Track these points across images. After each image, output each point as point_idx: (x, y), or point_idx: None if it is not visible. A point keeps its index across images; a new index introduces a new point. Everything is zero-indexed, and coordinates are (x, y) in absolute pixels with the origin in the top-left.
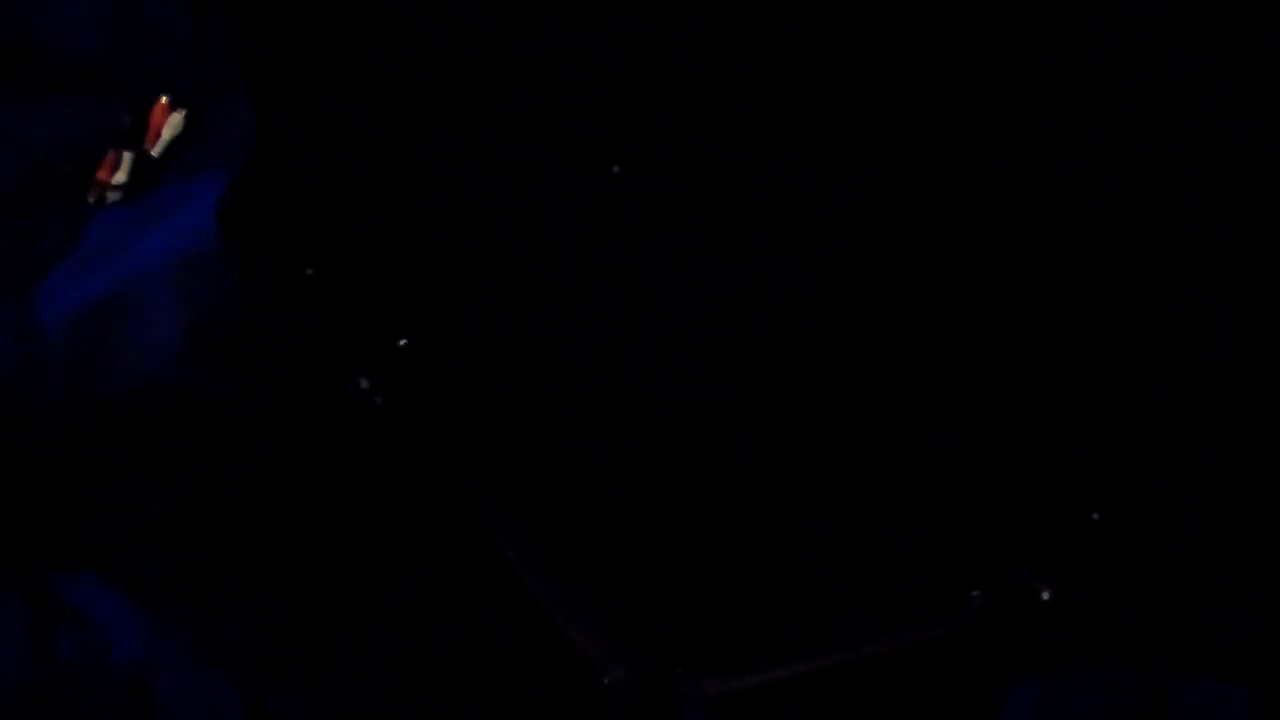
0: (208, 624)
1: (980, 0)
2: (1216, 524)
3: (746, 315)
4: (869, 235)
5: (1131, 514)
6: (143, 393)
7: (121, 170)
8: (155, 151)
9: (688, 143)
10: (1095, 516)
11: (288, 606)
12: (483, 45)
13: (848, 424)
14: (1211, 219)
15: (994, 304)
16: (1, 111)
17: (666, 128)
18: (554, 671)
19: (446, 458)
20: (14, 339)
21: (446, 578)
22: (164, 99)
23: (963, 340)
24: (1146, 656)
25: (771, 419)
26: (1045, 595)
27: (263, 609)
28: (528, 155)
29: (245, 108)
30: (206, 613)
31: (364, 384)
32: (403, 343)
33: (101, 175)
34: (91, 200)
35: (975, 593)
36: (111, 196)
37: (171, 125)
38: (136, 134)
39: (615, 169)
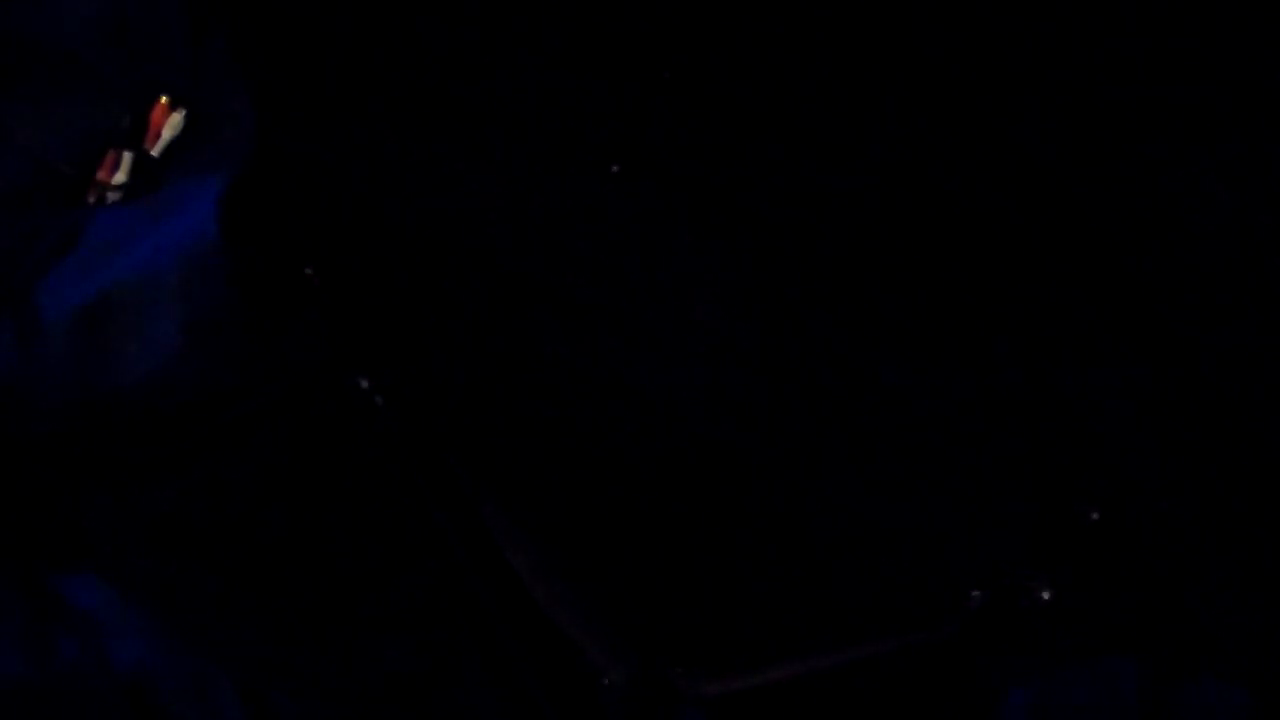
0: (208, 624)
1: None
2: (1216, 524)
3: (747, 315)
4: (869, 235)
5: (1131, 514)
6: (142, 393)
7: (121, 170)
8: (155, 151)
9: (688, 142)
10: (1095, 516)
11: (288, 606)
12: (483, 45)
13: (847, 423)
14: (1212, 219)
15: (994, 304)
16: (1, 111)
17: (666, 127)
18: (554, 671)
19: (446, 458)
20: (14, 339)
21: (446, 578)
22: (164, 99)
23: (963, 340)
24: (1146, 656)
25: (771, 419)
26: (1045, 595)
27: (263, 609)
28: (527, 155)
29: (245, 108)
30: (206, 613)
31: (364, 384)
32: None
33: (101, 175)
34: (91, 200)
35: (975, 593)
36: (111, 196)
37: (171, 125)
38: (136, 134)
39: (615, 169)
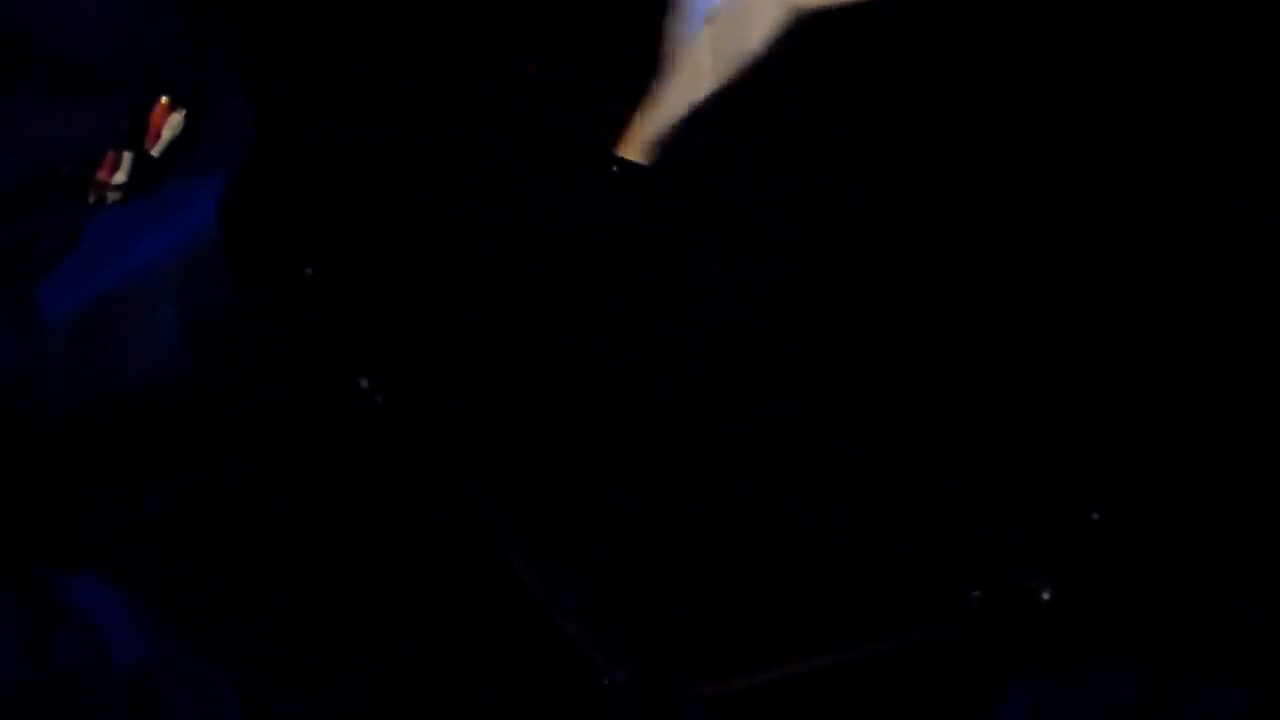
0: (208, 624)
1: None
2: (1216, 523)
3: (748, 315)
4: (869, 235)
5: (1131, 514)
6: (143, 392)
7: (121, 170)
8: (155, 151)
9: (687, 142)
10: (1095, 516)
11: (288, 606)
12: (483, 45)
13: (846, 423)
14: (1212, 218)
15: (994, 303)
16: (1, 111)
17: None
18: (554, 671)
19: (447, 458)
20: (14, 339)
21: (446, 578)
22: (164, 99)
23: (962, 340)
24: (1146, 656)
25: (770, 419)
26: (1045, 595)
27: (263, 609)
28: (527, 155)
29: (245, 108)
30: (207, 613)
31: (364, 384)
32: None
33: (101, 175)
34: (91, 200)
35: (975, 593)
36: (111, 196)
37: (171, 125)
38: (136, 134)
39: (614, 168)
